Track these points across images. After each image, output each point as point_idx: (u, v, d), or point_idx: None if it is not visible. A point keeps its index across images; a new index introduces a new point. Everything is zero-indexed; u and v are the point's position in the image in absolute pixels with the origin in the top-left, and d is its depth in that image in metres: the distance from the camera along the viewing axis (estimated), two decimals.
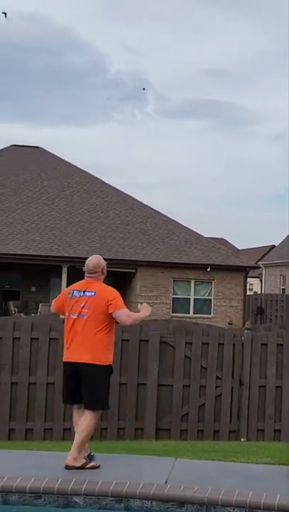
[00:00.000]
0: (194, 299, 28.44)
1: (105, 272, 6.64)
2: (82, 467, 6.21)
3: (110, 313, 6.35)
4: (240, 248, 63.94)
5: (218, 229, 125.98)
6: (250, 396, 10.13)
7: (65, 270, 26.99)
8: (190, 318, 25.56)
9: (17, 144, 34.55)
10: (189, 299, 28.39)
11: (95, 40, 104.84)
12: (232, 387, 10.14)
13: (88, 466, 6.26)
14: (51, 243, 27.70)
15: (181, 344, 10.05)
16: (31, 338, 9.73)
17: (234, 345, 10.21)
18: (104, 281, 6.68)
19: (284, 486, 5.87)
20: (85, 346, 6.29)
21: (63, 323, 6.66)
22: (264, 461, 7.08)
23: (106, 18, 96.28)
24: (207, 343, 10.14)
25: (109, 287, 6.58)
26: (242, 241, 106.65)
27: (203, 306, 28.53)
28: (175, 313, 27.63)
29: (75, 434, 6.40)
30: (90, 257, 6.69)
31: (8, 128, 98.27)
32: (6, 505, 5.57)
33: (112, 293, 6.46)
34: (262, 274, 48.82)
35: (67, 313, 6.48)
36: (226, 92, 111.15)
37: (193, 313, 27.90)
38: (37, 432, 9.69)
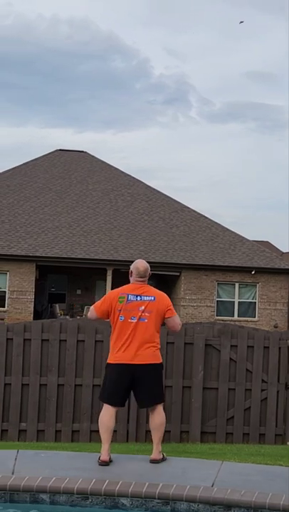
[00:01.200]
0: (239, 302, 28.32)
1: (149, 276, 6.85)
2: (163, 459, 6.70)
3: (166, 318, 6.61)
4: (284, 251, 63.35)
5: (262, 231, 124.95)
6: None
7: (109, 273, 27.16)
8: (234, 321, 25.46)
9: (63, 148, 34.90)
10: (234, 302, 28.28)
11: (139, 44, 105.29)
12: (278, 391, 10.07)
13: (165, 458, 6.77)
14: (96, 246, 27.89)
15: (226, 347, 10.03)
16: (77, 341, 9.82)
17: (280, 348, 10.14)
18: (149, 284, 6.76)
19: None
20: (147, 349, 6.49)
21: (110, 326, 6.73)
22: None
23: (150, 22, 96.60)
24: (252, 346, 10.09)
25: (162, 292, 6.79)
26: (286, 244, 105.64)
27: (247, 309, 28.39)
28: (219, 316, 27.56)
29: (155, 430, 6.65)
30: (139, 261, 6.77)
31: (54, 132, 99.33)
32: (54, 506, 5.64)
33: (168, 299, 6.76)
34: None
35: (122, 317, 6.54)
36: (268, 95, 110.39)
37: (238, 317, 27.80)
38: (83, 433, 9.77)
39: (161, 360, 6.67)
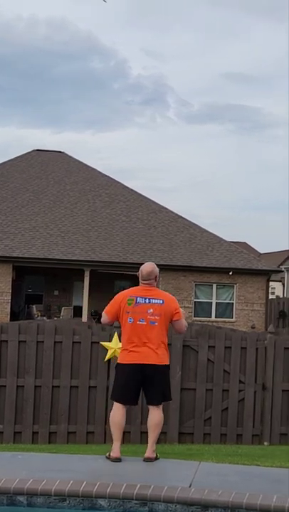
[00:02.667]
0: (216, 303, 28.40)
1: (158, 279, 6.94)
2: (156, 458, 6.79)
3: (174, 320, 6.79)
4: (261, 252, 63.70)
5: (240, 233, 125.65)
6: (273, 400, 10.09)
7: (87, 274, 27.09)
8: (212, 322, 25.53)
9: (40, 148, 34.78)
10: (211, 302, 28.36)
11: (117, 45, 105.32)
12: (255, 391, 10.12)
13: (158, 457, 6.85)
14: (74, 247, 27.82)
15: (204, 348, 10.05)
16: (55, 342, 9.79)
17: (257, 349, 10.19)
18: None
19: None
20: (157, 350, 6.67)
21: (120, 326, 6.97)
22: (288, 465, 7.05)
23: (128, 23, 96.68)
24: (230, 347, 10.13)
25: (171, 295, 7.00)
26: (264, 245, 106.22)
27: (225, 310, 28.48)
28: (197, 317, 27.62)
29: (152, 428, 6.76)
30: (145, 264, 6.96)
31: (32, 133, 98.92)
32: (32, 508, 5.61)
33: (176, 302, 6.93)
34: (284, 278, 48.60)
35: (131, 319, 6.70)
36: (247, 97, 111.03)
37: (215, 317, 27.87)
38: (60, 435, 9.74)
39: (169, 361, 6.89)
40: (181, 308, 7.00)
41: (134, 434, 9.64)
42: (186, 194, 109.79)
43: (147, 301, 6.72)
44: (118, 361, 6.92)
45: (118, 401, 6.82)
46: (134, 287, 6.98)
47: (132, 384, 6.74)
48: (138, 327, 6.67)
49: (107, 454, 6.81)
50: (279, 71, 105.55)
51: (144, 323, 6.65)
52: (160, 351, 6.69)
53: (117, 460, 6.66)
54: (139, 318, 6.67)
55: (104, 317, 6.91)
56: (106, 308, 6.92)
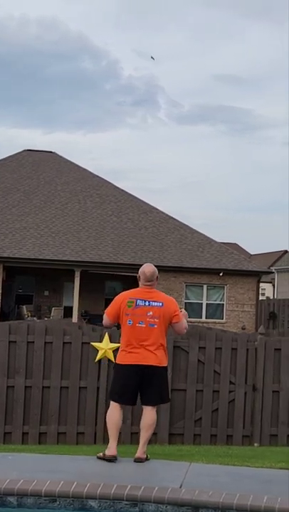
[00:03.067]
0: (207, 304, 28.42)
1: (158, 280, 6.98)
2: (147, 459, 6.82)
3: (173, 323, 6.81)
4: (252, 253, 63.83)
5: (231, 234, 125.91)
6: (264, 401, 10.11)
7: (77, 274, 27.04)
8: (202, 323, 25.54)
9: (31, 148, 34.70)
10: (202, 303, 28.37)
11: (109, 46, 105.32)
12: (245, 392, 10.13)
13: (148, 458, 6.87)
14: (64, 247, 27.77)
15: (194, 349, 10.06)
16: (45, 342, 9.77)
17: (247, 350, 10.20)
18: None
19: None
20: (156, 352, 6.70)
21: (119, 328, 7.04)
22: (278, 466, 7.07)
23: (120, 24, 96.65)
24: (220, 348, 10.14)
25: (171, 297, 7.04)
26: (254, 246, 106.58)
27: (215, 311, 28.51)
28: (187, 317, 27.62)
29: (144, 429, 6.81)
30: (146, 266, 6.99)
31: (23, 133, 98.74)
32: (22, 508, 5.60)
33: (176, 304, 6.95)
34: (274, 279, 48.71)
35: (130, 321, 6.72)
36: (238, 98, 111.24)
37: (206, 318, 27.89)
38: (50, 435, 9.72)
39: (167, 363, 6.92)
40: (183, 310, 7.04)
41: (125, 435, 9.62)
42: (177, 195, 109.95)
43: (147, 303, 6.73)
44: (117, 362, 6.95)
45: (116, 401, 6.84)
46: (135, 289, 6.95)
47: (130, 384, 6.77)
48: (137, 329, 6.69)
49: (100, 453, 6.83)
50: (271, 73, 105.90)
51: (144, 325, 6.68)
52: (159, 353, 6.72)
53: (113, 458, 6.69)
54: (138, 321, 6.68)
55: (106, 319, 6.93)
56: (107, 309, 6.94)
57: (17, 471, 6.20)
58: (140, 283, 6.89)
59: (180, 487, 5.83)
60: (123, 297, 6.84)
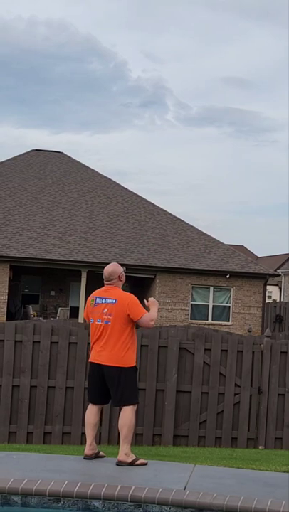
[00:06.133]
0: (213, 306, 28.39)
1: (123, 278, 6.87)
2: (132, 463, 6.59)
3: (135, 320, 6.67)
4: (259, 255, 63.75)
5: (237, 236, 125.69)
6: (269, 404, 10.09)
7: (84, 275, 27.07)
8: (208, 325, 25.53)
9: (39, 148, 34.76)
10: (208, 305, 28.34)
11: (117, 47, 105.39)
12: (251, 395, 10.11)
13: (137, 462, 6.64)
14: (71, 248, 27.80)
15: (200, 351, 10.05)
16: (51, 342, 9.78)
17: (253, 352, 10.18)
18: (123, 287, 6.91)
19: None
20: (111, 351, 6.63)
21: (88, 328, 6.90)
22: (283, 470, 7.04)
23: (128, 26, 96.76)
24: (226, 350, 10.12)
25: (128, 294, 6.85)
26: (261, 248, 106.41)
27: (221, 313, 28.48)
28: (193, 319, 27.61)
29: (120, 430, 6.70)
30: (108, 265, 6.95)
31: (30, 133, 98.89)
32: (26, 508, 5.60)
33: (131, 300, 6.72)
34: (281, 281, 48.62)
35: (92, 319, 6.80)
36: (245, 101, 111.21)
37: (212, 320, 27.87)
38: (55, 435, 9.72)
39: (130, 364, 6.68)
40: (152, 298, 6.87)
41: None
42: (183, 197, 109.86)
43: (103, 301, 6.74)
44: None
45: (88, 400, 6.99)
46: (101, 288, 6.98)
47: (94, 382, 6.84)
48: (96, 327, 6.72)
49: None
50: (279, 75, 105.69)
51: (101, 323, 6.69)
52: (115, 352, 6.62)
53: (86, 458, 6.75)
54: (97, 318, 6.73)
55: (83, 314, 7.08)
56: None
57: (21, 470, 6.20)
58: (104, 282, 6.94)
59: (184, 489, 5.82)
60: (90, 297, 6.95)
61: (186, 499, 5.54)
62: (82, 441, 9.68)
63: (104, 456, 6.91)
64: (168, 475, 6.44)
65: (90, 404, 6.88)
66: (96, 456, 6.83)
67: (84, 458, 6.78)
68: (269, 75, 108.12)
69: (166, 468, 6.77)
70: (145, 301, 6.93)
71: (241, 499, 5.50)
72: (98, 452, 6.91)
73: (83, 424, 9.67)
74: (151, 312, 6.75)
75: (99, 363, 6.68)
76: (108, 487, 5.66)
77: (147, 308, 6.82)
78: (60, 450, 8.32)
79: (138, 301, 6.76)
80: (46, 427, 9.73)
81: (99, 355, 6.68)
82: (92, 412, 6.83)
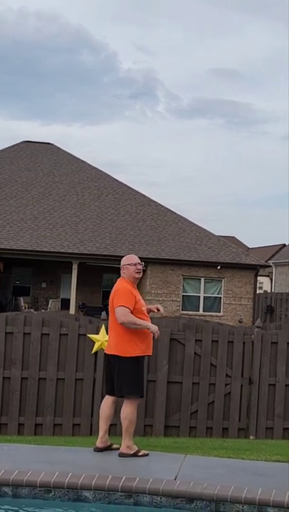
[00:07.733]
0: (204, 297, 28.41)
1: (126, 271, 6.90)
2: (134, 455, 6.67)
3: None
4: (250, 246, 63.85)
5: (229, 227, 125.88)
6: (260, 394, 10.12)
7: (75, 266, 27.03)
8: (199, 316, 25.54)
9: (29, 140, 34.60)
10: (199, 296, 28.37)
11: (107, 39, 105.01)
12: (241, 385, 10.14)
13: (140, 453, 6.72)
14: (62, 239, 27.74)
15: (191, 341, 10.06)
16: (42, 334, 9.77)
17: (244, 343, 10.20)
18: (115, 279, 7.04)
19: None
20: (112, 340, 6.84)
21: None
22: (273, 459, 7.08)
23: (119, 17, 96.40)
24: (217, 341, 10.14)
25: (119, 285, 6.88)
26: (252, 239, 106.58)
27: (212, 304, 28.51)
28: (185, 310, 27.63)
29: (121, 422, 6.75)
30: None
31: (21, 125, 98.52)
32: (17, 499, 5.61)
33: (117, 290, 6.82)
34: (272, 272, 48.73)
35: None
36: (237, 92, 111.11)
37: (203, 311, 27.89)
38: (46, 427, 9.73)
39: (127, 354, 6.69)
40: (135, 297, 6.77)
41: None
42: (175, 189, 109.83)
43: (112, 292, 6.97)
44: None
45: (105, 391, 7.10)
46: None
47: (106, 373, 7.04)
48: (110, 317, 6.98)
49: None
50: (270, 67, 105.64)
51: (110, 313, 6.95)
52: (112, 340, 6.82)
53: (96, 450, 6.86)
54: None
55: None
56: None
57: (12, 461, 6.21)
58: None
59: (175, 479, 5.84)
60: None
61: (177, 489, 5.57)
62: (74, 432, 9.71)
63: (117, 449, 6.81)
64: (159, 465, 6.46)
65: (106, 396, 6.94)
66: (108, 448, 6.84)
67: (94, 450, 6.83)
68: (261, 67, 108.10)
69: (157, 459, 6.80)
70: (155, 308, 7.08)
71: (232, 488, 5.53)
72: (111, 445, 6.91)
73: (74, 416, 9.76)
74: (137, 319, 6.62)
75: (106, 352, 6.94)
76: (99, 477, 5.68)
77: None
78: (52, 441, 8.32)
79: (125, 293, 6.70)
80: (37, 419, 9.74)
81: (108, 344, 6.94)
82: (106, 403, 6.88)
